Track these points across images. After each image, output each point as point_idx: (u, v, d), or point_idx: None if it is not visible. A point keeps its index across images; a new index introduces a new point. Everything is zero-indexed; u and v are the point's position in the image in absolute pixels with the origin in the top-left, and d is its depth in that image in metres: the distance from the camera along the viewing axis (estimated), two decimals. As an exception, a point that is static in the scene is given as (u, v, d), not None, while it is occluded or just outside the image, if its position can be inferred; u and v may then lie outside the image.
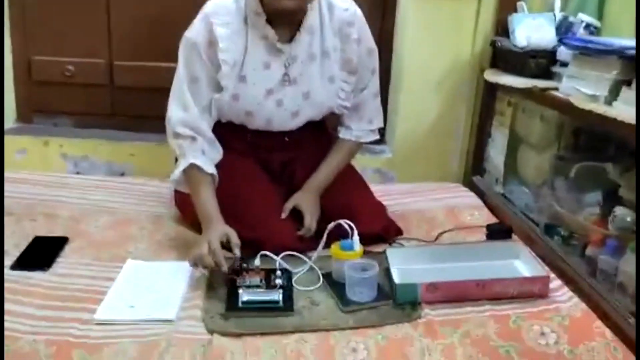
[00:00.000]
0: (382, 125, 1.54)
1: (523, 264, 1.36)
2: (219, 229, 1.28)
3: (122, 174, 1.99)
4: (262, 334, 1.14)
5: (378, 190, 1.59)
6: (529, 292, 1.23)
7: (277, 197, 1.43)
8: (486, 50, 1.88)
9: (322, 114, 1.47)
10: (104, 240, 1.49)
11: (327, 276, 1.28)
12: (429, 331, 1.15)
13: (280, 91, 1.36)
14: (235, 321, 1.17)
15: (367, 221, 1.37)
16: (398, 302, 1.22)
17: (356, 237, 1.30)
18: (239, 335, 1.13)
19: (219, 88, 1.35)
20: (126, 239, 1.49)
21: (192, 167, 1.32)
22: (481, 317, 1.18)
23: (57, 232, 1.51)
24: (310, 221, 1.38)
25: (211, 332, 1.15)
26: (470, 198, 1.79)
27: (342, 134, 1.53)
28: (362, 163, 1.68)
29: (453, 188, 1.84)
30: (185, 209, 1.48)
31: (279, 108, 1.39)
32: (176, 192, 1.52)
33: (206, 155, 1.35)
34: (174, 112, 1.34)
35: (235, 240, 1.26)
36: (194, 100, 1.34)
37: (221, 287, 1.25)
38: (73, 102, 2.03)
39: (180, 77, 1.34)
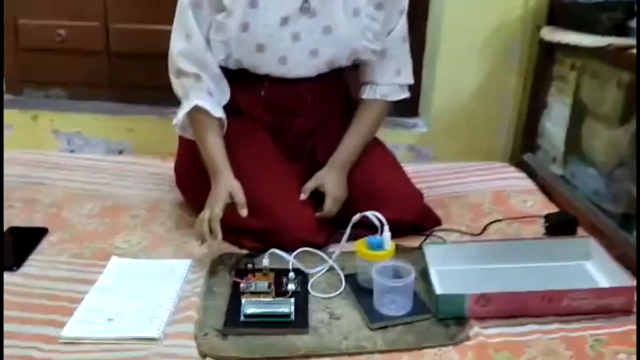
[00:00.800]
0: (411, 80, 1.31)
1: (597, 267, 1.10)
2: (223, 186, 1.12)
3: (120, 152, 1.81)
4: (268, 359, 0.91)
5: (411, 171, 1.38)
6: (609, 307, 0.97)
7: (294, 177, 1.23)
8: (542, 4, 1.63)
9: (347, 57, 1.25)
10: (88, 232, 1.29)
11: (351, 279, 1.07)
12: (480, 357, 0.91)
13: (297, 22, 1.17)
14: (234, 341, 0.95)
15: (399, 208, 1.17)
16: (440, 317, 0.99)
17: (387, 234, 1.05)
18: (237, 361, 0.90)
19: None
20: (115, 231, 1.29)
21: (197, 110, 1.18)
22: (549, 340, 0.93)
23: (35, 222, 1.31)
24: (332, 206, 1.21)
25: (203, 355, 0.92)
26: (521, 180, 1.54)
27: (367, 93, 1.30)
28: (392, 139, 1.47)
29: (500, 168, 1.60)
30: (188, 190, 1.32)
31: (295, 43, 1.19)
32: (177, 169, 1.35)
33: (213, 97, 1.19)
34: (176, 43, 1.19)
35: (240, 197, 1.10)
36: (199, 28, 1.18)
37: (223, 291, 1.05)
38: (65, 72, 1.83)
39: (183, 3, 1.18)
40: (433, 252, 1.13)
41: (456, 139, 1.75)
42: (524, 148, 1.70)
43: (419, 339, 0.95)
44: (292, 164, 1.25)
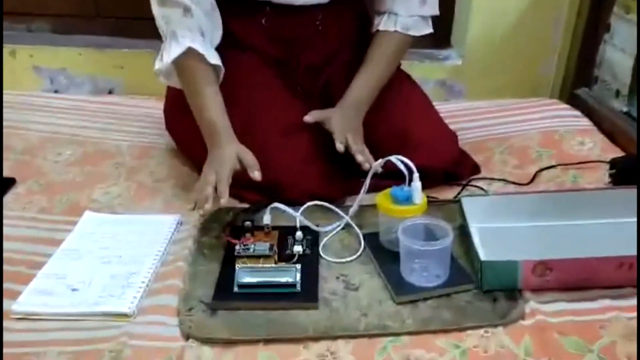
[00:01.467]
0: (437, 11, 1.11)
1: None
2: (228, 150, 0.94)
3: (110, 92, 1.61)
4: (267, 341, 0.74)
5: (442, 110, 1.19)
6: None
7: (303, 121, 1.04)
8: None
9: None
10: (62, 182, 1.11)
11: (372, 239, 0.91)
12: (541, 342, 0.72)
13: None
14: (225, 318, 0.78)
15: (430, 153, 1.02)
16: (485, 288, 0.80)
17: (417, 184, 0.86)
18: (228, 343, 0.74)
19: None
20: (94, 181, 1.11)
21: (189, 54, 0.96)
22: (629, 320, 0.72)
23: (4, 171, 1.14)
24: (343, 137, 0.99)
25: (186, 336, 0.74)
26: (575, 119, 1.32)
27: (384, 24, 1.09)
28: (420, 74, 1.31)
29: (549, 105, 1.38)
30: (179, 135, 1.15)
31: None
32: (166, 111, 1.18)
33: (205, 37, 0.99)
34: None
35: (249, 158, 0.93)
36: None
37: (216, 254, 0.89)
38: (48, 2, 1.64)
39: None
40: (473, 206, 0.94)
41: (495, 72, 1.55)
42: (577, 81, 1.48)
43: (458, 316, 0.77)
44: (301, 105, 1.08)
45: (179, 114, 1.08)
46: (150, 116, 1.36)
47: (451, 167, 1.07)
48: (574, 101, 1.42)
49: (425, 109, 1.14)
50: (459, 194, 1.04)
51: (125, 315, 0.78)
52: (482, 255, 0.81)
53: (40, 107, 1.41)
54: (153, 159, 1.19)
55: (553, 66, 1.55)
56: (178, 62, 0.98)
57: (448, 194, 1.04)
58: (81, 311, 0.78)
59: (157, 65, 1.01)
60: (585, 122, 1.31)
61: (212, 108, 0.97)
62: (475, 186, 1.07)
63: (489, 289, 0.80)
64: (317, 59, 1.09)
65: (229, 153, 0.94)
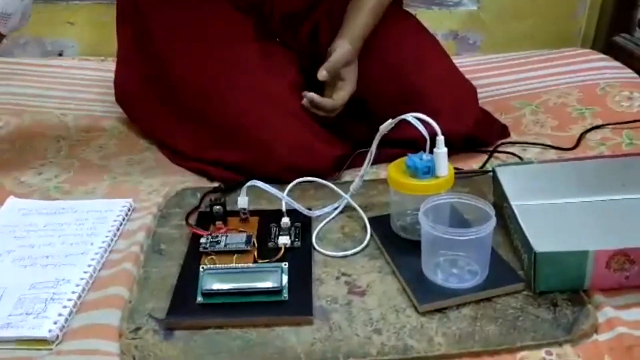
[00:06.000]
0: None
1: None
2: None
3: (60, 54, 1.45)
4: None
5: (456, 64, 1.04)
6: None
7: (283, 79, 0.93)
8: None
9: None
10: None
11: (381, 225, 0.75)
12: None
13: None
14: (185, 340, 0.60)
15: (450, 114, 0.89)
16: (540, 289, 0.62)
17: (442, 150, 0.68)
18: (188, 379, 0.54)
19: None
20: (26, 159, 0.95)
21: None
22: None
23: None
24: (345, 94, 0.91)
25: (129, 370, 0.54)
26: (617, 70, 1.16)
27: None
28: (427, 23, 1.12)
29: (584, 56, 1.23)
30: (135, 108, 1.03)
31: None
32: (118, 76, 1.05)
33: None
34: None
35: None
36: None
37: (176, 249, 0.73)
38: None
39: None
40: (510, 178, 0.75)
41: (516, 20, 1.41)
42: (615, 27, 1.34)
43: (507, 331, 0.58)
44: (282, 58, 0.97)
45: (133, 82, 0.99)
46: (104, 81, 1.18)
47: (474, 131, 0.92)
48: (612, 50, 1.29)
49: (440, 59, 0.99)
50: (486, 162, 0.89)
51: (44, 341, 0.59)
52: (535, 245, 0.61)
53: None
54: (104, 131, 1.04)
55: (585, 9, 1.41)
56: None
57: (472, 163, 0.90)
58: (-15, 338, 0.58)
59: None
60: (629, 73, 1.15)
61: None
62: (507, 152, 0.92)
63: (545, 290, 0.62)
64: (296, 3, 0.97)
65: None
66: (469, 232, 0.61)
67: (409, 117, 0.68)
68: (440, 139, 0.67)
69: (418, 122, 0.68)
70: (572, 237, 0.67)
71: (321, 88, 0.92)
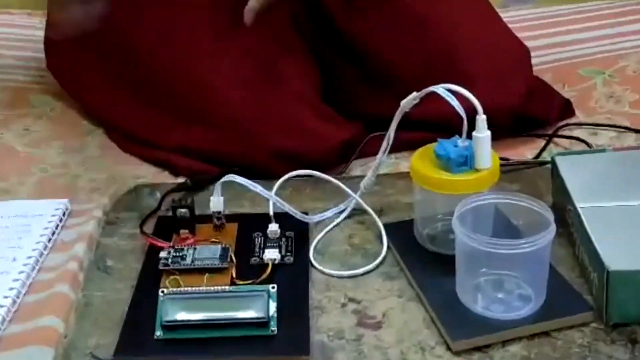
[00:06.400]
0: None
1: None
2: None
3: None
4: None
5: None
6: None
7: (276, 40, 1.01)
8: None
9: None
10: None
11: (402, 234, 0.79)
12: None
13: None
14: None
15: (494, 85, 0.94)
16: (614, 320, 0.65)
17: (484, 134, 0.71)
18: None
19: None
20: None
21: None
22: None
23: None
24: None
25: None
26: None
27: None
28: None
29: None
30: (70, 76, 1.09)
31: None
32: (48, 37, 1.11)
33: None
34: None
35: None
36: None
37: (127, 267, 0.77)
38: None
39: None
40: (574, 172, 0.78)
41: None
42: None
43: None
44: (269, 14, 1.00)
45: (72, 44, 1.03)
46: (35, 42, 1.25)
47: (527, 106, 0.97)
48: None
49: (482, 12, 1.04)
50: (543, 149, 0.94)
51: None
52: (608, 260, 0.63)
53: None
54: (31, 108, 1.11)
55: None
56: None
57: (523, 150, 0.95)
58: None
59: None
60: None
61: None
62: (571, 137, 0.97)
63: (621, 322, 0.64)
64: None
65: None
66: (520, 244, 0.62)
67: (439, 88, 0.70)
68: (482, 118, 0.69)
69: (451, 96, 0.70)
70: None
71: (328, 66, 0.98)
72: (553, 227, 0.63)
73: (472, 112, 0.69)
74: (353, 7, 1.02)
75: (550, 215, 0.64)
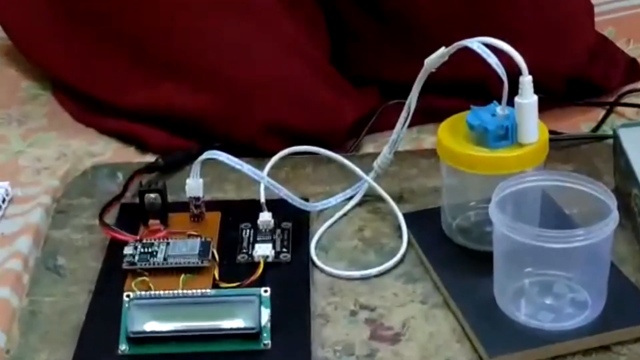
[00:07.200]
0: None
1: None
2: None
3: None
4: None
5: None
6: None
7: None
8: None
9: None
10: None
11: (425, 225, 0.83)
12: None
13: None
14: None
15: (542, 40, 0.99)
16: None
17: (529, 100, 0.73)
18: None
19: None
20: None
21: None
22: None
23: None
24: None
25: None
26: None
27: None
28: None
29: None
30: (19, 22, 1.14)
31: None
32: None
33: None
34: None
35: None
36: None
37: (83, 265, 0.80)
38: None
39: None
40: None
41: None
42: None
43: None
44: None
45: None
46: None
47: (586, 68, 1.02)
48: None
49: None
50: (602, 121, 0.98)
51: None
52: None
53: None
54: None
55: None
56: None
57: (580, 122, 0.99)
58: None
59: None
60: None
61: None
62: (636, 105, 1.02)
63: None
64: None
65: None
66: (574, 237, 0.64)
67: (474, 42, 0.72)
68: (528, 79, 0.71)
69: (488, 52, 0.71)
70: None
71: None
72: (615, 216, 0.65)
73: (515, 74, 0.71)
74: None
75: (612, 202, 0.66)
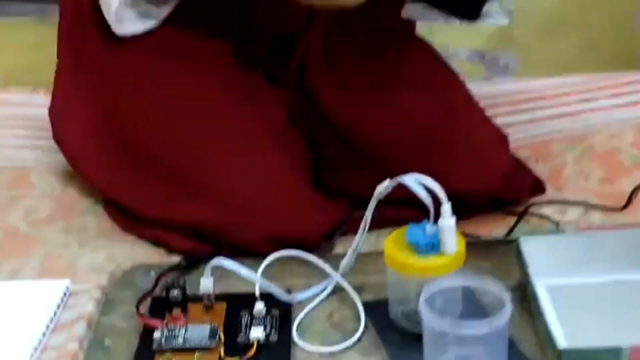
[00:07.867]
0: None
1: None
2: None
3: None
4: None
5: (481, 95, 1.17)
6: None
7: (268, 121, 1.07)
8: None
9: None
10: None
11: (379, 312, 0.85)
12: None
13: None
14: None
15: (472, 170, 1.03)
16: None
17: (447, 222, 0.77)
18: None
19: None
20: None
21: None
22: None
23: None
24: None
25: None
26: None
27: None
28: (446, 40, 1.35)
29: None
30: (75, 146, 1.12)
31: None
32: (55, 108, 1.14)
33: None
34: None
35: None
36: None
37: (124, 344, 0.81)
38: None
39: None
40: (538, 250, 0.86)
41: (560, 35, 1.55)
42: None
43: None
44: (265, 99, 1.09)
45: (78, 117, 1.09)
46: (36, 120, 1.29)
47: (502, 190, 1.04)
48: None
49: (461, 99, 1.12)
50: (513, 228, 0.99)
51: None
52: (561, 339, 0.71)
53: None
54: (33, 189, 1.14)
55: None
56: None
57: (496, 228, 1.01)
58: None
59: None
60: None
61: None
62: (540, 215, 1.03)
63: None
64: (291, 21, 1.09)
65: None
66: (479, 327, 0.68)
67: (409, 179, 0.77)
68: (447, 207, 0.76)
69: (420, 187, 0.76)
70: (614, 326, 0.76)
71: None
72: (508, 307, 0.69)
73: (443, 200, 0.75)
74: (342, 93, 1.08)
75: (506, 297, 0.70)
